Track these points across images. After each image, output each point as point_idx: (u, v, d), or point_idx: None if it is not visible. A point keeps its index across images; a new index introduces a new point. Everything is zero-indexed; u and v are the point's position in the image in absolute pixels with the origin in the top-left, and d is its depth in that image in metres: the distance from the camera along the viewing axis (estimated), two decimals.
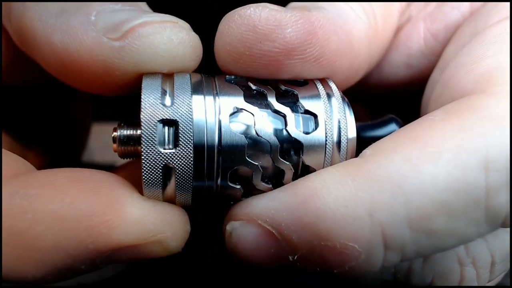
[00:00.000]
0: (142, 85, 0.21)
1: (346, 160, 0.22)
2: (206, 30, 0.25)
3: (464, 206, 0.19)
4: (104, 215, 0.19)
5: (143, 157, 0.20)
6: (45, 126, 0.32)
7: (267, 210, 0.20)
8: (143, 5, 0.24)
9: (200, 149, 0.20)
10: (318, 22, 0.22)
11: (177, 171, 0.20)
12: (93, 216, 0.19)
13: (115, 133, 0.22)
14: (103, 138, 0.41)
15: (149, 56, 0.21)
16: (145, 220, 0.20)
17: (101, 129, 0.42)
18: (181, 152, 0.20)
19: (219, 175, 0.21)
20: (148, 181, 0.20)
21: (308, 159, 0.21)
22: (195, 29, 0.23)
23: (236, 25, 0.21)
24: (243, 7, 0.21)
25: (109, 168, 0.30)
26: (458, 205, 0.19)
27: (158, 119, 0.20)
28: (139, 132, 0.21)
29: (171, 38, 0.21)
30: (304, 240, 0.20)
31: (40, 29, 0.21)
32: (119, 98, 0.24)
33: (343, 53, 0.23)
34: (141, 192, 0.21)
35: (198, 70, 0.23)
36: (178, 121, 0.20)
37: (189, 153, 0.20)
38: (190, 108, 0.20)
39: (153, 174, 0.20)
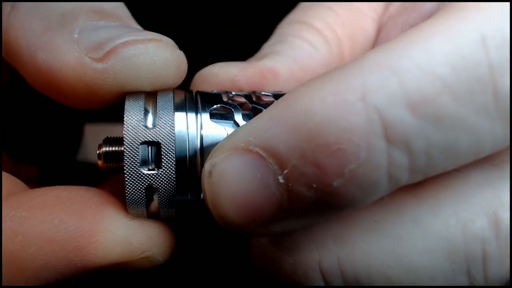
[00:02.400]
0: (125, 106, 0.21)
1: None
2: (192, 41, 0.25)
3: (468, 85, 0.17)
4: (91, 236, 0.20)
5: (126, 179, 0.20)
6: (35, 134, 0.32)
7: (249, 131, 0.19)
8: (129, 18, 0.24)
9: (183, 168, 0.21)
10: (266, 67, 0.24)
11: (160, 191, 0.21)
12: (81, 237, 0.20)
13: (100, 150, 0.22)
14: (99, 138, 0.41)
15: (132, 78, 0.21)
16: (131, 239, 0.21)
17: (99, 129, 0.43)
18: (164, 173, 0.21)
19: (201, 194, 0.21)
20: (132, 201, 0.21)
21: None
22: (182, 40, 0.23)
23: (202, 83, 0.24)
24: (204, 68, 0.24)
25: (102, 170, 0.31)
26: (461, 84, 0.17)
27: (140, 142, 0.20)
28: (122, 148, 0.22)
29: (154, 59, 0.21)
30: (293, 147, 0.17)
31: (24, 47, 0.21)
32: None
33: (300, 81, 0.24)
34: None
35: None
36: (160, 143, 0.20)
37: (172, 174, 0.21)
38: (173, 129, 0.21)
39: (136, 194, 0.21)
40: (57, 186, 0.22)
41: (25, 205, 0.20)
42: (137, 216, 0.22)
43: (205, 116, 0.22)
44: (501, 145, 0.18)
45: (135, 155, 0.20)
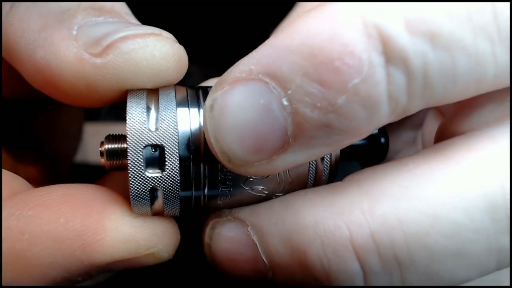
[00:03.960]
0: (127, 104, 0.21)
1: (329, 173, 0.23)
2: (191, 40, 0.25)
3: (466, 4, 0.17)
4: (97, 234, 0.20)
5: (130, 181, 0.20)
6: (33, 135, 0.32)
7: (250, 60, 0.18)
8: (128, 15, 0.24)
9: (186, 161, 0.21)
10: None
11: (165, 192, 0.21)
12: (87, 235, 0.20)
13: (102, 148, 0.22)
14: (99, 138, 0.41)
15: (132, 73, 0.21)
16: (136, 237, 0.21)
17: (98, 129, 0.43)
18: (168, 175, 0.21)
19: (205, 185, 0.22)
20: (137, 202, 0.21)
21: (293, 173, 0.22)
22: (181, 39, 0.23)
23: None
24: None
25: (102, 169, 0.31)
26: (458, 2, 0.17)
27: (144, 145, 0.20)
28: (125, 145, 0.22)
29: (153, 53, 0.20)
30: (296, 67, 0.17)
31: (23, 46, 0.21)
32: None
33: None
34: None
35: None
36: (164, 146, 0.20)
37: (176, 176, 0.21)
38: (176, 131, 0.20)
39: (141, 196, 0.21)
40: (61, 185, 0.22)
41: (30, 204, 0.20)
42: (141, 215, 0.22)
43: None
44: (504, 73, 0.18)
45: (139, 159, 0.20)
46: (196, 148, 0.21)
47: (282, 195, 0.22)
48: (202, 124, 0.21)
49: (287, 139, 0.18)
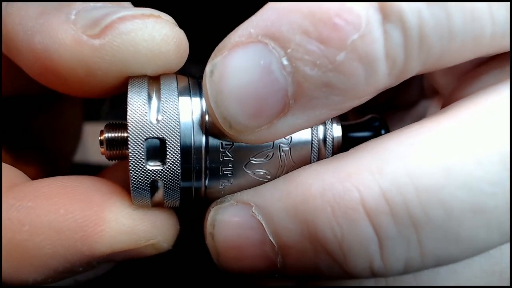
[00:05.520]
0: (128, 94, 0.20)
1: None
2: (193, 25, 0.25)
3: None
4: (97, 225, 0.20)
5: (131, 173, 0.20)
6: (32, 133, 0.32)
7: (249, 24, 0.18)
8: (128, 4, 0.23)
9: (188, 164, 0.21)
10: None
11: (165, 185, 0.21)
12: (87, 226, 0.20)
13: (102, 136, 0.22)
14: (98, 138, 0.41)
15: (131, 55, 0.20)
16: (136, 228, 0.21)
17: (98, 129, 0.43)
18: (169, 169, 0.20)
19: (206, 176, 0.21)
20: (137, 194, 0.21)
21: (295, 157, 0.22)
22: (183, 24, 0.22)
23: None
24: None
25: (102, 169, 0.31)
26: None
27: (145, 138, 0.20)
28: (125, 134, 0.22)
29: (153, 34, 0.20)
30: (295, 25, 0.17)
31: (21, 33, 0.21)
32: (117, 98, 0.24)
33: None
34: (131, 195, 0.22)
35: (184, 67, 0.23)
36: (165, 139, 0.20)
37: (177, 170, 0.20)
38: (178, 123, 0.20)
39: (141, 188, 0.21)
40: (61, 176, 0.22)
41: (30, 195, 0.20)
42: (141, 206, 0.22)
43: (210, 126, 0.21)
44: (501, 32, 0.18)
45: (140, 152, 0.20)
46: (198, 139, 0.21)
47: None
48: (203, 114, 0.21)
49: (287, 101, 0.18)
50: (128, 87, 0.21)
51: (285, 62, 0.17)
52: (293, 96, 0.18)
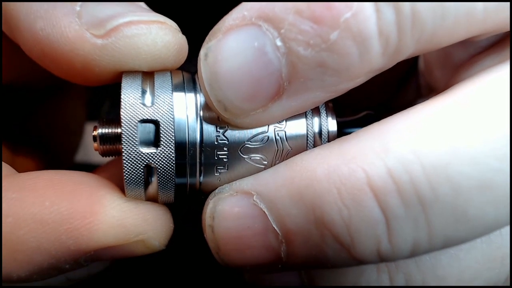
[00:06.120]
0: (122, 84, 0.21)
1: None
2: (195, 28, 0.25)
3: None
4: (84, 218, 0.20)
5: (124, 158, 0.20)
6: (33, 128, 0.32)
7: (243, 7, 0.19)
8: (142, 4, 0.23)
9: (182, 147, 0.20)
10: None
11: (159, 170, 0.20)
12: (73, 218, 0.19)
13: (95, 132, 0.22)
14: None
15: (131, 57, 0.20)
16: (125, 221, 0.20)
17: None
18: (163, 152, 0.20)
19: (201, 172, 0.21)
20: (130, 181, 0.20)
21: (292, 143, 0.21)
22: (186, 26, 0.23)
23: None
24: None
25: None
26: None
27: (138, 119, 0.20)
28: (119, 130, 0.22)
29: (155, 40, 0.20)
30: (288, 5, 0.17)
31: (23, 14, 0.21)
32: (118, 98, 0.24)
33: None
34: (124, 191, 0.21)
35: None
36: (159, 121, 0.20)
37: (171, 153, 0.20)
38: (171, 107, 0.20)
39: (134, 174, 0.20)
40: (49, 170, 0.22)
41: (15, 187, 0.20)
42: (135, 198, 0.21)
43: (205, 110, 0.21)
44: (494, 8, 0.18)
45: (134, 134, 0.20)
46: (192, 132, 0.20)
47: None
48: (198, 100, 0.21)
49: (281, 82, 0.18)
50: (122, 79, 0.21)
51: (279, 43, 0.17)
52: (288, 78, 0.18)
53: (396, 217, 0.18)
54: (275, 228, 0.19)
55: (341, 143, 0.19)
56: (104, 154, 0.22)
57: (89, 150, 0.41)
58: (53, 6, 0.20)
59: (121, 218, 0.20)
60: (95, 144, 0.22)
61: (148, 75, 0.22)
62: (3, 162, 0.23)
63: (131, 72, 0.21)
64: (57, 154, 0.34)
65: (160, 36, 0.21)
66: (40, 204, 0.19)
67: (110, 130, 0.22)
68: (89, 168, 0.42)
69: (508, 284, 0.24)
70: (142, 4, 0.23)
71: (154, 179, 0.21)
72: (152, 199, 0.22)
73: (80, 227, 0.20)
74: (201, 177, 0.21)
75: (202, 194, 0.22)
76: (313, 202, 0.19)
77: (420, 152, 0.18)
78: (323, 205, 0.18)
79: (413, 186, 0.18)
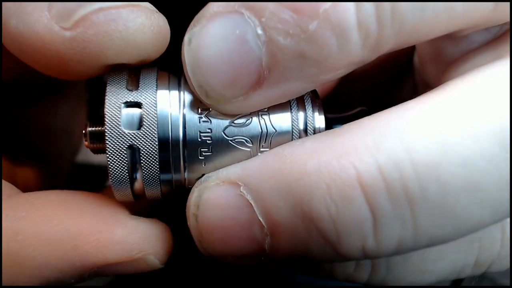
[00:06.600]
0: (108, 80, 0.21)
1: None
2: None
3: None
4: (90, 236, 0.20)
5: (107, 137, 0.20)
6: (30, 130, 0.32)
7: None
8: None
9: (164, 131, 0.20)
10: None
11: (142, 153, 0.20)
12: (79, 236, 0.20)
13: (85, 130, 0.22)
14: None
15: (105, 46, 0.19)
16: (128, 239, 0.21)
17: None
18: (145, 132, 0.20)
19: (185, 158, 0.21)
20: (116, 176, 0.21)
21: (276, 125, 0.21)
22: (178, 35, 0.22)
23: None
24: None
25: (104, 168, 0.30)
26: None
27: (122, 101, 0.20)
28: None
29: (127, 24, 0.19)
30: None
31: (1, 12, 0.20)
32: None
33: None
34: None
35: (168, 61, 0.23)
36: (141, 103, 0.20)
37: (153, 133, 0.20)
38: (154, 92, 0.20)
39: (118, 155, 0.20)
40: (56, 190, 0.22)
41: (24, 206, 0.21)
42: (124, 198, 0.22)
43: (188, 96, 0.21)
44: (474, 6, 0.18)
45: (117, 116, 0.20)
46: (175, 129, 0.21)
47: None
48: (181, 105, 0.21)
49: (262, 71, 0.18)
50: (109, 73, 0.21)
51: (259, 31, 0.18)
52: (268, 67, 0.18)
53: (384, 215, 0.18)
54: (261, 220, 0.19)
55: (333, 136, 0.19)
56: (95, 151, 0.23)
57: (89, 150, 0.41)
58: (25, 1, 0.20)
59: (123, 236, 0.21)
60: (86, 142, 0.22)
61: (134, 71, 0.22)
62: (6, 182, 0.24)
63: (117, 69, 0.21)
64: (57, 158, 0.34)
65: (132, 19, 0.19)
66: (48, 223, 0.20)
67: (100, 128, 0.22)
68: (89, 168, 0.42)
69: (479, 271, 0.24)
70: None
71: (139, 174, 0.21)
72: (140, 197, 0.22)
73: (85, 245, 0.20)
74: (186, 162, 0.21)
75: (188, 183, 0.22)
76: (301, 196, 0.18)
77: (412, 150, 0.18)
78: (312, 200, 0.18)
79: (403, 184, 0.18)
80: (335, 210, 0.18)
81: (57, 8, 0.20)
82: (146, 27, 0.20)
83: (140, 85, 0.21)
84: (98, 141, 0.22)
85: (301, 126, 0.21)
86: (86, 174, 0.41)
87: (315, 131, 0.22)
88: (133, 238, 0.21)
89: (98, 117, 0.23)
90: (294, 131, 0.21)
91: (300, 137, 0.21)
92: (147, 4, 0.21)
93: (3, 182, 0.24)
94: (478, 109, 0.18)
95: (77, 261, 0.20)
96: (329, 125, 0.22)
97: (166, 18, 0.21)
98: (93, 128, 0.22)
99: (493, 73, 0.19)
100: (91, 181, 0.41)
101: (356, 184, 0.18)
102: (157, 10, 0.21)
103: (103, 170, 0.30)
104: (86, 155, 0.41)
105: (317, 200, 0.18)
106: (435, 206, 0.18)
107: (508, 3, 0.18)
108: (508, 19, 0.19)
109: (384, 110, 0.19)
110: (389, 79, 0.32)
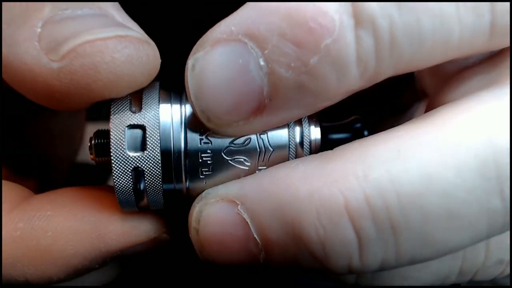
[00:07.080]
0: (112, 101, 0.21)
1: None
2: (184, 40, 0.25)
3: None
4: (110, 224, 0.23)
5: (113, 161, 0.21)
6: (29, 135, 0.33)
7: (231, 21, 0.19)
8: (112, 7, 0.22)
9: (167, 152, 0.21)
10: None
11: (146, 174, 0.21)
12: (101, 227, 0.23)
13: (90, 143, 0.23)
14: None
15: (91, 78, 0.19)
16: (143, 223, 0.24)
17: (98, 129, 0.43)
18: (149, 154, 0.21)
19: (187, 178, 0.22)
20: (120, 187, 0.22)
21: (274, 144, 0.22)
22: (174, 40, 0.23)
23: None
24: None
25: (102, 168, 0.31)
26: None
27: (126, 125, 0.21)
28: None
29: (113, 56, 0.19)
30: (273, 27, 0.18)
31: None
32: None
33: None
34: None
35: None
36: (145, 126, 0.21)
37: (157, 155, 0.21)
38: (157, 113, 0.21)
39: (124, 179, 0.21)
40: (67, 188, 0.25)
41: (48, 205, 0.23)
42: (130, 212, 0.24)
43: (189, 116, 0.22)
44: (469, 36, 0.19)
45: (122, 139, 0.21)
46: (177, 140, 0.21)
47: (265, 168, 0.22)
48: (182, 116, 0.22)
49: (263, 99, 0.19)
50: (112, 101, 0.22)
51: (262, 62, 0.18)
52: (269, 96, 0.19)
53: (368, 239, 0.19)
54: (256, 237, 0.21)
55: (325, 161, 0.20)
56: (99, 164, 0.23)
57: (88, 150, 0.42)
58: (14, 30, 0.20)
59: (140, 221, 0.24)
60: (91, 156, 0.23)
61: (136, 93, 0.22)
62: (17, 184, 0.26)
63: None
64: (55, 160, 0.35)
65: (118, 50, 0.19)
66: (74, 217, 0.23)
67: (105, 141, 0.23)
68: (89, 168, 0.42)
69: (465, 278, 0.25)
70: (115, 11, 0.22)
71: (143, 185, 0.22)
72: (144, 209, 0.23)
73: (108, 233, 0.23)
74: (187, 181, 0.22)
75: (190, 197, 0.23)
76: (293, 218, 0.20)
77: (398, 182, 0.19)
78: (302, 223, 0.19)
79: (387, 212, 0.19)
80: (323, 233, 0.19)
81: (47, 39, 0.19)
82: (134, 59, 0.20)
83: (143, 106, 0.21)
84: (103, 154, 0.23)
85: (298, 139, 0.23)
86: (86, 174, 0.42)
87: (311, 143, 0.23)
88: (147, 223, 0.24)
89: (103, 131, 0.23)
90: (290, 145, 0.22)
91: (296, 150, 0.23)
92: (137, 33, 0.20)
93: (15, 185, 0.25)
94: (462, 142, 0.19)
95: (103, 247, 0.23)
96: (325, 134, 0.23)
97: (166, 30, 0.22)
98: (99, 141, 0.23)
99: (480, 108, 0.19)
100: (91, 181, 0.41)
101: (344, 211, 0.19)
102: (148, 39, 0.21)
103: (103, 170, 0.31)
104: (86, 155, 0.41)
105: (307, 223, 0.19)
106: (417, 232, 0.19)
107: (503, 35, 0.19)
108: (504, 45, 0.20)
109: (375, 135, 0.21)
110: (389, 86, 0.32)
